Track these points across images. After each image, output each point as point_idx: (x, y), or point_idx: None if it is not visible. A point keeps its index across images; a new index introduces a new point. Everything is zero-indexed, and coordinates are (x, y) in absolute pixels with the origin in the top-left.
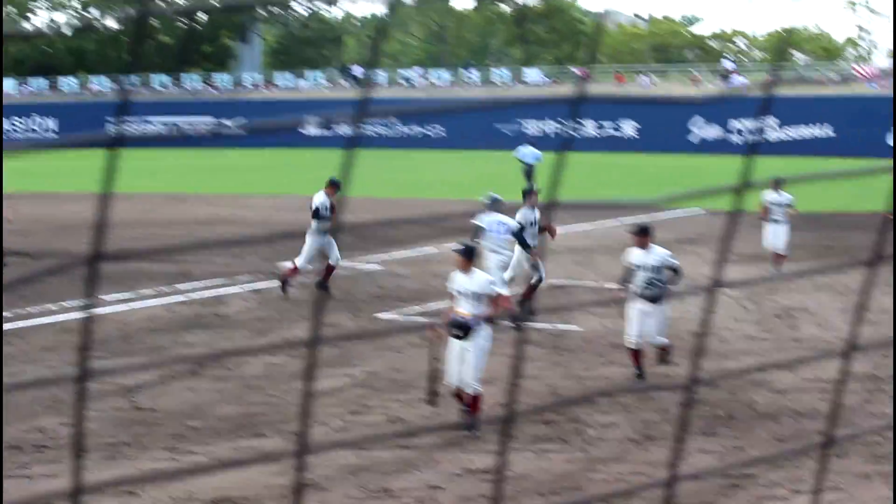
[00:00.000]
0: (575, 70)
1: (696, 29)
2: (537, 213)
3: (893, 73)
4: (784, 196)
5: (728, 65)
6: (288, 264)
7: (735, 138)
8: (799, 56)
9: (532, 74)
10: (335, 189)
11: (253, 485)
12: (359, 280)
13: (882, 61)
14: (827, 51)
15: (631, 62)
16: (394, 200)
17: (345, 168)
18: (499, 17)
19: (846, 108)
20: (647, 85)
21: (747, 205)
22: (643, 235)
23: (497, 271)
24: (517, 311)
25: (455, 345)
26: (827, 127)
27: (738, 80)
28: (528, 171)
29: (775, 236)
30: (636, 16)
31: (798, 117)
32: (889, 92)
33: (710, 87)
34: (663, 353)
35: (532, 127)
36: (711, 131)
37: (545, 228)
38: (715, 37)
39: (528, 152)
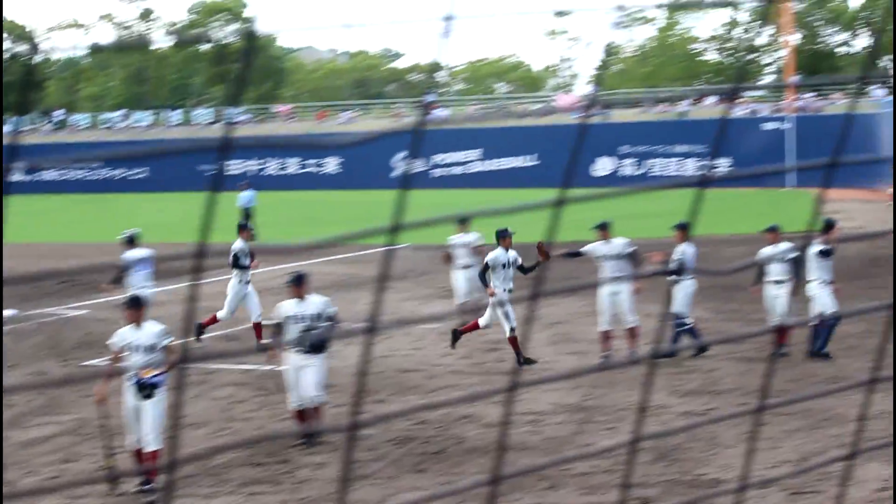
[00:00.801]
0: (278, 108)
1: (397, 63)
2: (512, 255)
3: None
4: (470, 236)
5: (429, 98)
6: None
7: (439, 171)
8: (500, 86)
9: (234, 113)
10: (250, 233)
11: None
12: (66, 326)
13: (583, 89)
14: (528, 80)
15: (332, 99)
16: (100, 245)
17: None
18: (198, 56)
19: (550, 138)
20: (348, 121)
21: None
22: (299, 285)
23: None
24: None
25: (130, 403)
26: (531, 157)
27: (440, 112)
28: (247, 213)
29: (466, 283)
30: (335, 51)
31: (502, 149)
32: (594, 121)
33: (410, 121)
34: (315, 414)
35: (235, 167)
36: (413, 165)
37: (530, 269)
38: (416, 70)
39: (244, 195)
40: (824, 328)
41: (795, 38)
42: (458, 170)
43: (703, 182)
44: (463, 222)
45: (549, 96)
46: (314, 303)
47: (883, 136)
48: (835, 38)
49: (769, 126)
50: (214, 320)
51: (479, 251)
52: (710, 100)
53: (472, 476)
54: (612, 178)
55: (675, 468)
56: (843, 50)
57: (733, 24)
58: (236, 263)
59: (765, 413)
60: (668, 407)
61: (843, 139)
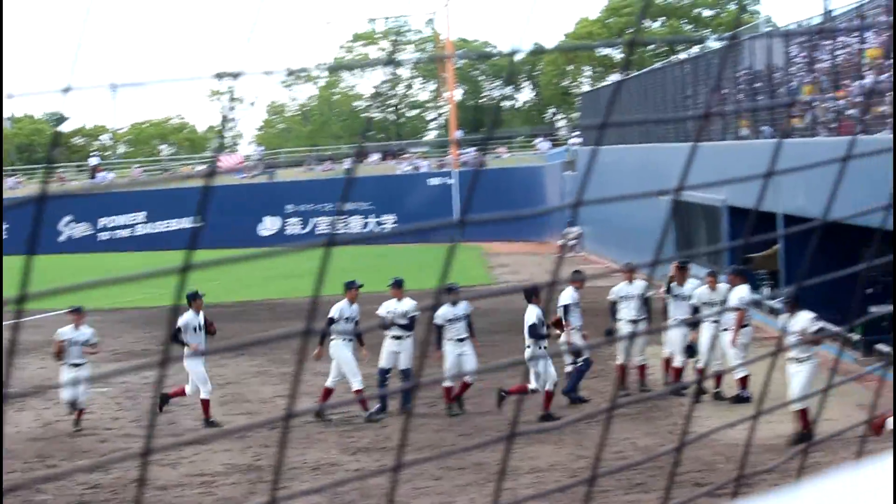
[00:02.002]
0: None
1: (62, 127)
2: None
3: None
4: (82, 332)
5: (94, 161)
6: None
7: (105, 235)
8: (164, 147)
9: None
10: (201, 302)
11: None
12: None
13: (247, 149)
14: (191, 141)
15: None
16: None
17: None
18: None
19: (214, 199)
20: (14, 186)
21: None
22: None
23: None
24: None
25: None
26: (197, 218)
27: (105, 175)
28: None
29: (73, 388)
30: None
31: (167, 210)
32: (259, 180)
33: (75, 184)
34: None
35: None
36: (80, 229)
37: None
38: (80, 133)
39: None
40: (576, 372)
41: (458, 93)
42: (124, 232)
43: (330, 243)
44: (78, 312)
45: (212, 156)
46: None
47: (548, 187)
48: (498, 91)
49: (435, 181)
50: (182, 392)
51: (89, 350)
52: (374, 157)
53: None
54: (279, 237)
55: None
56: (507, 104)
57: (395, 80)
58: (176, 337)
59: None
60: (341, 464)
61: (469, 197)
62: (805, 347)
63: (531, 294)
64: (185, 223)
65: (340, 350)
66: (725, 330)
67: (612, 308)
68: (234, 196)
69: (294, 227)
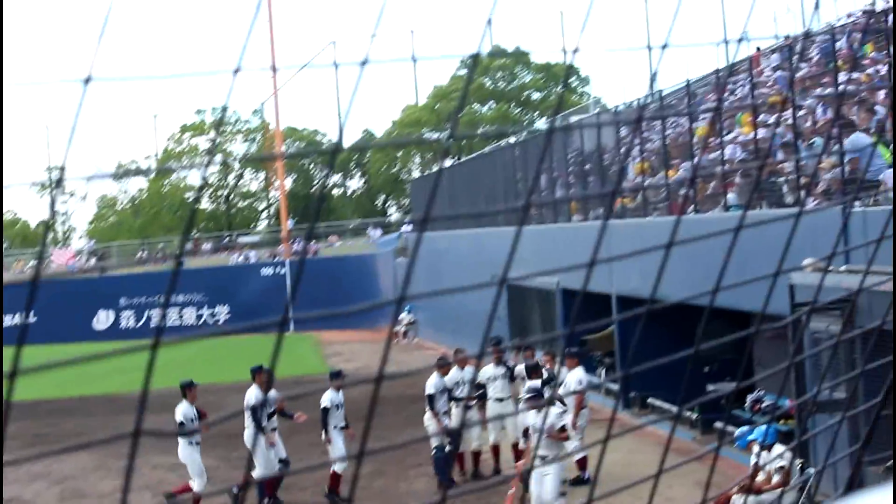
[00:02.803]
0: None
1: None
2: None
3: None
4: None
5: None
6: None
7: None
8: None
9: None
10: (195, 393)
11: None
12: None
13: (78, 243)
14: (24, 237)
15: None
16: None
17: None
18: None
19: (51, 294)
20: None
21: None
22: None
23: None
24: None
25: None
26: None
27: None
28: None
29: None
30: None
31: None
32: (92, 275)
33: None
34: None
35: None
36: None
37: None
38: None
39: None
40: (442, 460)
41: (288, 182)
42: None
43: (155, 344)
44: None
45: (45, 252)
46: None
47: (381, 274)
48: (329, 180)
49: (267, 271)
50: (189, 489)
51: None
52: (207, 247)
53: None
54: (114, 330)
55: None
56: (337, 192)
57: (226, 169)
58: (182, 431)
59: None
60: None
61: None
62: (553, 444)
63: (531, 371)
64: (18, 320)
65: (254, 437)
66: (564, 412)
67: (449, 394)
68: (67, 290)
69: (128, 320)
